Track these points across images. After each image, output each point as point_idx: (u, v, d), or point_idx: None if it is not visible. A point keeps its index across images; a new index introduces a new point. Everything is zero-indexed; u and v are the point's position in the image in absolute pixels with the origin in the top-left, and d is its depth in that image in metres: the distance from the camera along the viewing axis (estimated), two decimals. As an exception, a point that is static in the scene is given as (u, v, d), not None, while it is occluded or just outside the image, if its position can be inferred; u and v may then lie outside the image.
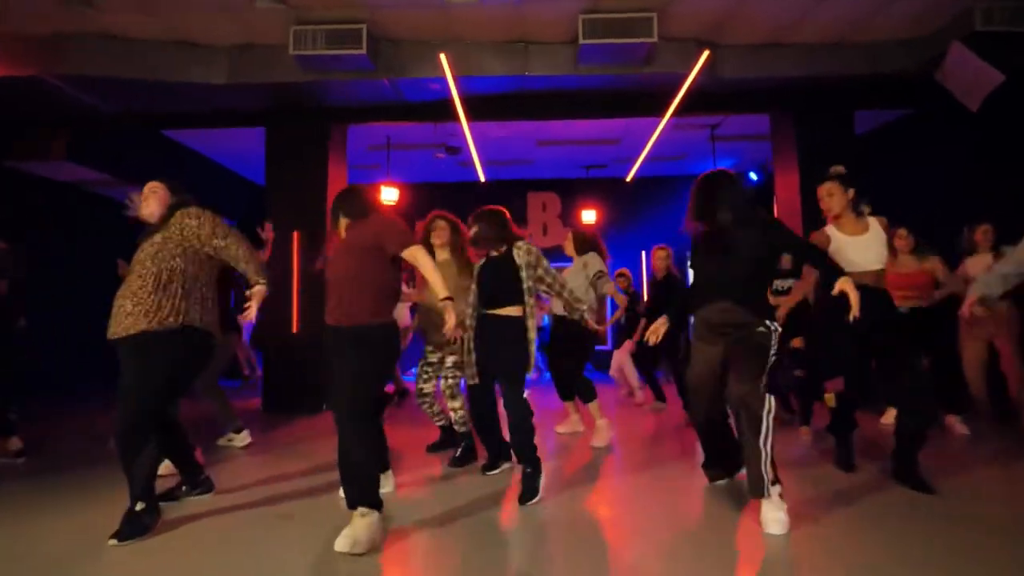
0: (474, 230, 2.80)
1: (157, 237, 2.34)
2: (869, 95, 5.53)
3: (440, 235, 3.32)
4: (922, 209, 5.94)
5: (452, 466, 3.18)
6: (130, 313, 2.23)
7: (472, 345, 2.81)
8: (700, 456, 3.32)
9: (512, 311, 2.71)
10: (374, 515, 2.07)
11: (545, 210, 8.80)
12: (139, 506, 2.19)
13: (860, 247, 2.77)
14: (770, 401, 2.21)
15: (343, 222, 2.41)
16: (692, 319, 2.60)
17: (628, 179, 7.91)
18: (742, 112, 5.88)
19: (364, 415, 2.13)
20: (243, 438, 3.76)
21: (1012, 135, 5.01)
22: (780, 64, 5.03)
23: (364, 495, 2.08)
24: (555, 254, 5.54)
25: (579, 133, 6.99)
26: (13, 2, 4.13)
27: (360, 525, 2.02)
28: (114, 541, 2.10)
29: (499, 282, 2.72)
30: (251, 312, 2.35)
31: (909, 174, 6.14)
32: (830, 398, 2.92)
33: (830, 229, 2.87)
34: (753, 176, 8.35)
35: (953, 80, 4.72)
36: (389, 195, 6.92)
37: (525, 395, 2.65)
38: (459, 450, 3.27)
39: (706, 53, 4.73)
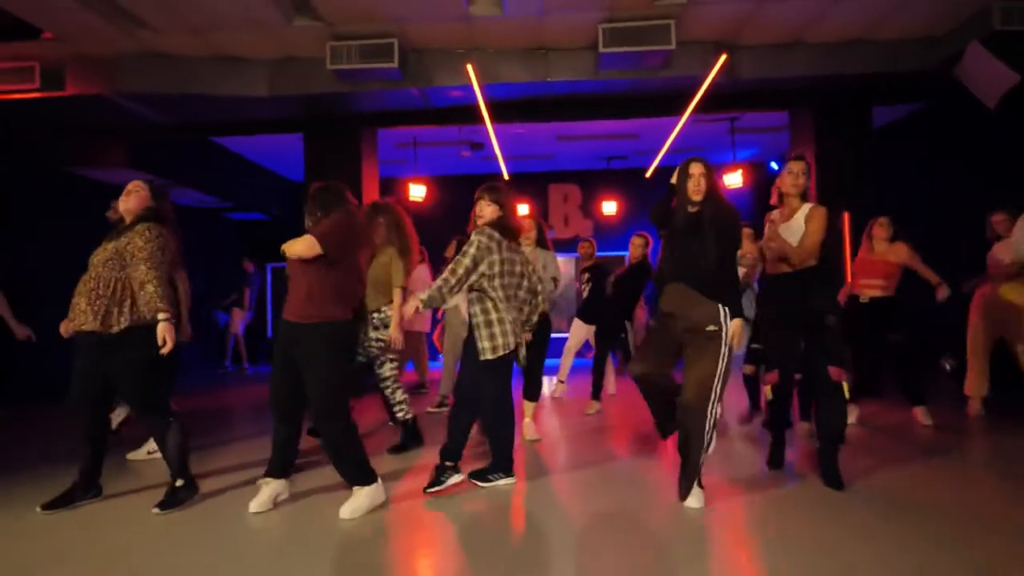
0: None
1: (111, 245, 2.49)
2: (887, 91, 5.59)
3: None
4: (939, 199, 6.02)
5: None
6: (83, 311, 2.42)
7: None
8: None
9: None
10: (371, 486, 2.44)
11: (566, 201, 9.02)
12: (179, 482, 2.53)
13: (789, 231, 2.78)
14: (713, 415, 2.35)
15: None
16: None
17: (648, 175, 8.06)
18: (760, 110, 6.00)
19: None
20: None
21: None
22: (798, 63, 5.13)
23: (358, 478, 2.44)
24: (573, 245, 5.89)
25: (598, 129, 7.17)
26: (79, 28, 4.53)
27: (361, 495, 2.41)
28: (157, 510, 2.43)
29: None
30: (166, 349, 2.45)
31: (927, 165, 6.20)
32: (767, 391, 2.85)
33: (775, 213, 2.92)
34: (774, 165, 8.40)
35: (971, 79, 4.79)
36: (417, 192, 7.27)
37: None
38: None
39: (723, 57, 4.87)
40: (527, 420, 3.75)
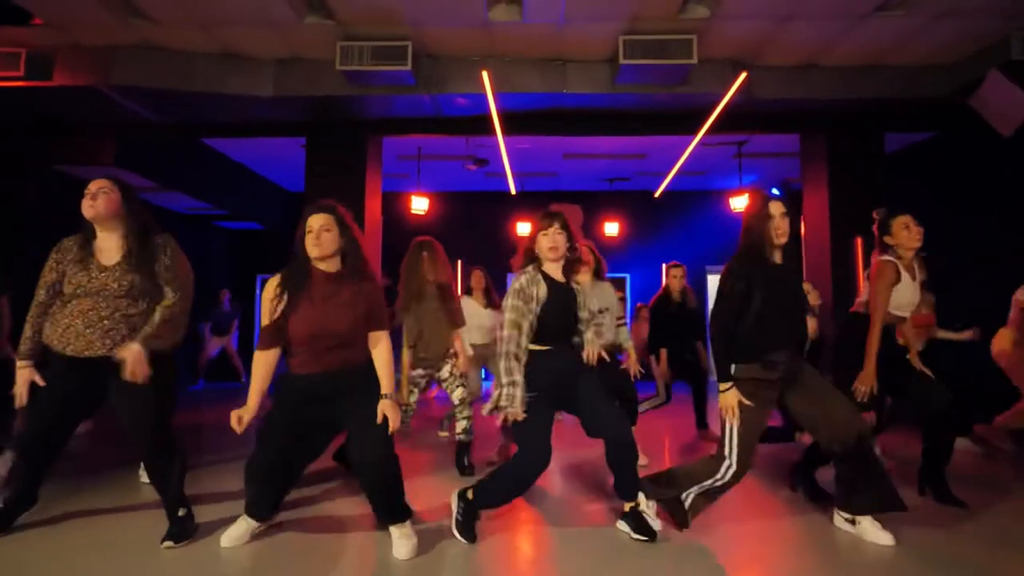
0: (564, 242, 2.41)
1: (131, 267, 2.23)
2: (901, 117, 5.60)
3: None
4: (952, 228, 5.99)
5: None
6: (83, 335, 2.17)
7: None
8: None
9: None
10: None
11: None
12: (181, 511, 2.33)
13: (913, 290, 2.71)
14: None
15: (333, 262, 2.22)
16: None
17: (657, 195, 7.98)
18: (773, 132, 5.95)
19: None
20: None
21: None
22: (814, 86, 5.10)
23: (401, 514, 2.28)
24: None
25: (606, 147, 7.08)
26: (75, 15, 4.28)
27: (406, 531, 2.24)
28: (170, 543, 2.21)
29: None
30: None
31: (939, 193, 6.19)
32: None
33: (897, 263, 2.70)
34: (775, 191, 8.41)
35: (987, 105, 4.78)
36: (420, 205, 7.05)
37: None
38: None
39: (743, 75, 4.81)
40: None
